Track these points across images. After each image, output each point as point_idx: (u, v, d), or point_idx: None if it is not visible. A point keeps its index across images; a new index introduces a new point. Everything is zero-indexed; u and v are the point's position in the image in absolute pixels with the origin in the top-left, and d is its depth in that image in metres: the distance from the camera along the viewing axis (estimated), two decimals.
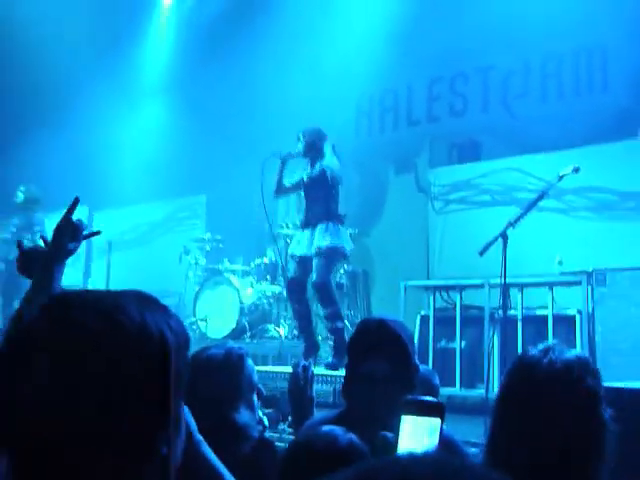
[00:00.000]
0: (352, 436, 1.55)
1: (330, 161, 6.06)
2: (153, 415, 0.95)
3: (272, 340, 7.53)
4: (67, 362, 0.91)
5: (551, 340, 1.78)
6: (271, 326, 7.91)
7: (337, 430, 1.56)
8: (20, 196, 8.72)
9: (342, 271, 7.60)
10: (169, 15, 10.85)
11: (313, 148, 6.06)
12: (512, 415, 1.54)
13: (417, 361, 2.33)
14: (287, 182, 6.22)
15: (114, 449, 0.92)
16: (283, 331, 7.61)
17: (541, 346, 1.60)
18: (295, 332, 7.26)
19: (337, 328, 5.98)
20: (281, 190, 6.22)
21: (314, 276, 5.90)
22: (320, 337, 6.55)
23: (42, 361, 0.92)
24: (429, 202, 8.42)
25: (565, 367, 1.53)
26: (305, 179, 6.12)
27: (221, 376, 2.06)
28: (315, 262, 5.95)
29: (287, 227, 7.81)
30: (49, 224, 11.18)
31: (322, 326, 6.64)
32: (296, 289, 6.11)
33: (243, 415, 2.06)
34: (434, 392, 3.66)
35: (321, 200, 6.05)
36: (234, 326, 7.78)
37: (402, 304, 6.40)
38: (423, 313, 6.52)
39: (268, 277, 8.01)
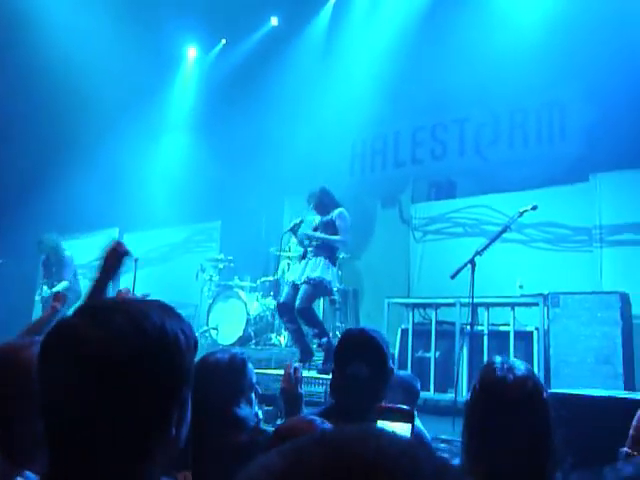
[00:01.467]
0: (327, 424, 1.58)
1: (342, 215, 6.12)
2: (165, 402, 0.97)
3: (274, 347, 7.55)
4: (96, 355, 0.93)
5: (512, 353, 1.81)
6: (273, 335, 7.94)
7: (316, 418, 1.61)
8: (44, 248, 7.92)
9: (336, 289, 7.63)
10: (193, 66, 11.03)
11: (323, 205, 6.17)
12: (481, 419, 1.59)
13: (392, 365, 2.38)
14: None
15: (131, 428, 0.93)
16: (283, 339, 7.63)
17: (499, 361, 1.66)
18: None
19: (323, 343, 6.05)
20: (305, 246, 6.28)
21: (297, 302, 5.95)
22: (314, 345, 6.57)
23: (74, 353, 0.93)
24: (410, 232, 8.49)
25: (522, 380, 1.60)
26: (317, 222, 6.22)
27: (226, 376, 2.08)
28: (302, 289, 6.01)
29: (289, 250, 7.84)
30: (86, 245, 11.24)
31: None
32: (285, 312, 6.17)
33: (243, 409, 2.09)
34: (415, 395, 3.69)
35: (327, 244, 6.14)
36: (241, 334, 7.80)
37: (385, 319, 6.42)
38: (403, 327, 6.51)
39: (272, 293, 8.06)
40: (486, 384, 1.62)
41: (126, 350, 0.94)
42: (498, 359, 1.68)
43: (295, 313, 6.03)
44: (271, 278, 8.23)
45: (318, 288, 6.02)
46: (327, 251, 6.13)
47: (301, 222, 6.31)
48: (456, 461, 1.83)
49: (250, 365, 2.21)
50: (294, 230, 6.33)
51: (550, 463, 1.56)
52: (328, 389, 5.75)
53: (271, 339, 7.86)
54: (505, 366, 1.63)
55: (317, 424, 1.53)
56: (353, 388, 2.21)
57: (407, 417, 1.39)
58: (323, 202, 6.19)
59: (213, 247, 10.27)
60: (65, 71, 9.24)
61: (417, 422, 2.68)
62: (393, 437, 0.52)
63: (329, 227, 6.15)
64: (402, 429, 1.36)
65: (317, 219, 6.26)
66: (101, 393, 0.91)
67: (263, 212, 10.00)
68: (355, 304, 8.30)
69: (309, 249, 6.23)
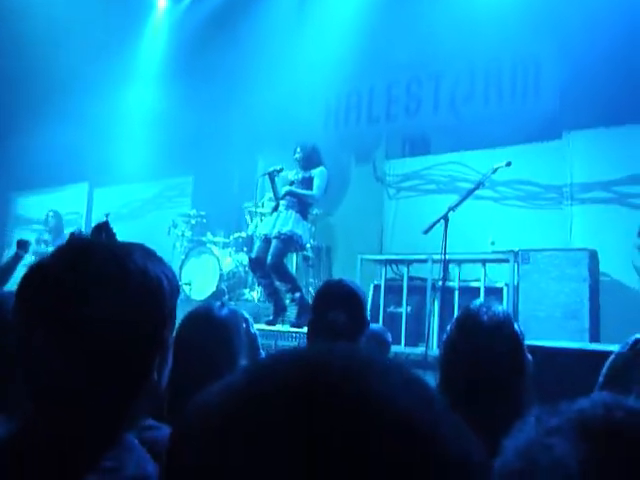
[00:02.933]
0: None
1: (322, 173, 6.15)
2: (147, 345, 0.96)
3: (247, 302, 7.58)
4: (74, 298, 0.90)
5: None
6: (246, 290, 7.97)
7: None
8: (51, 221, 9.19)
9: (309, 245, 7.66)
10: (163, 16, 10.72)
11: (309, 160, 6.24)
12: (458, 350, 1.66)
13: (367, 316, 2.44)
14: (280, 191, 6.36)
15: (112, 372, 0.92)
16: (257, 295, 7.66)
17: (478, 303, 1.75)
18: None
19: (296, 298, 6.13)
20: (278, 198, 6.34)
21: (269, 257, 6.00)
22: (288, 300, 6.61)
23: (54, 298, 0.90)
24: (384, 189, 8.50)
25: (499, 316, 1.68)
26: (295, 180, 6.26)
27: (223, 334, 2.10)
28: (273, 244, 6.05)
29: (262, 206, 7.81)
30: (55, 199, 11.03)
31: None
32: (257, 267, 6.21)
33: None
34: (387, 347, 3.78)
35: (299, 199, 6.17)
36: (214, 290, 7.80)
37: (358, 275, 6.45)
38: (376, 282, 6.59)
39: (245, 249, 8.04)
40: (463, 317, 1.71)
41: (106, 291, 0.91)
42: (477, 302, 1.76)
43: (267, 269, 6.04)
44: (244, 234, 8.21)
45: (289, 243, 6.08)
46: (299, 205, 6.16)
47: (281, 170, 6.31)
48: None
49: (254, 328, 2.34)
50: (272, 176, 6.34)
51: (524, 398, 1.60)
52: (302, 342, 5.83)
53: (244, 294, 7.89)
54: (482, 305, 1.73)
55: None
56: (331, 335, 2.24)
57: None
58: (311, 158, 6.25)
59: (185, 202, 10.20)
60: (29, 21, 8.93)
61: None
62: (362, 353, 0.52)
63: (306, 183, 6.20)
64: None
65: (295, 173, 6.25)
66: (80, 337, 0.89)
67: (236, 168, 9.92)
68: (328, 261, 8.36)
69: (281, 202, 6.22)
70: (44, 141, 9.66)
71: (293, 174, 6.38)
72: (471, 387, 1.60)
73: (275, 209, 6.36)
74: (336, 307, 2.30)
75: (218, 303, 2.25)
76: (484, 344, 1.62)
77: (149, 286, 0.96)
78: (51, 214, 9.27)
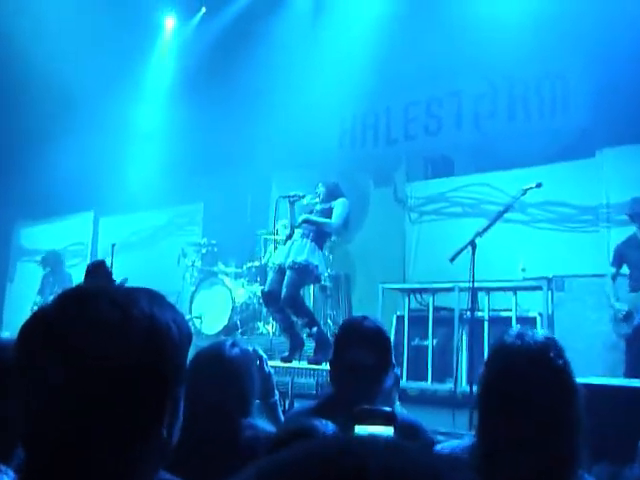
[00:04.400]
0: (330, 426, 1.54)
1: (343, 203, 6.19)
2: (155, 401, 0.94)
3: (261, 337, 7.49)
4: (77, 348, 0.89)
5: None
6: (260, 324, 7.89)
7: (317, 423, 1.55)
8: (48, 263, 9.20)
9: (326, 275, 7.58)
10: (172, 37, 10.82)
11: (331, 195, 6.27)
12: (496, 397, 1.54)
13: (393, 355, 2.35)
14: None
15: (117, 429, 0.90)
16: (272, 328, 7.58)
17: (513, 332, 1.61)
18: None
19: (313, 332, 6.06)
20: (294, 225, 6.37)
21: (283, 290, 5.94)
22: (304, 335, 6.53)
23: (52, 346, 0.89)
24: (406, 213, 8.47)
25: (541, 347, 1.55)
26: (314, 210, 6.28)
27: (236, 376, 2.10)
28: (287, 275, 6.00)
29: (277, 233, 7.76)
30: (59, 230, 11.09)
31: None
32: (271, 301, 6.16)
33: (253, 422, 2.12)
34: (396, 381, 3.68)
35: (316, 227, 6.17)
36: (226, 323, 7.75)
37: (380, 305, 6.39)
38: (399, 313, 6.51)
39: (259, 279, 7.98)
40: (499, 348, 1.59)
41: (111, 342, 0.90)
42: (513, 330, 1.63)
43: (281, 302, 6.02)
44: (257, 263, 8.17)
45: (304, 273, 6.02)
46: (316, 234, 6.15)
47: (303, 197, 6.34)
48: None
49: (268, 367, 2.30)
50: (292, 201, 6.35)
51: (577, 450, 1.49)
52: (320, 380, 5.73)
53: (258, 328, 7.82)
54: (519, 332, 1.60)
55: (319, 429, 1.49)
56: (356, 376, 2.19)
57: (388, 419, 1.34)
58: (333, 193, 6.28)
59: (195, 231, 10.22)
60: (36, 44, 9.07)
61: (402, 410, 2.78)
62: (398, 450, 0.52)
63: (325, 214, 6.21)
64: (384, 432, 1.32)
65: (314, 203, 6.31)
66: (82, 390, 0.88)
67: (249, 192, 9.94)
68: (347, 290, 8.26)
69: (297, 230, 6.22)
70: (47, 169, 9.75)
71: (312, 202, 6.39)
72: (514, 433, 1.48)
73: (289, 237, 6.33)
74: (360, 346, 2.25)
75: (229, 341, 2.21)
76: (524, 375, 1.52)
77: (156, 334, 0.94)
78: (45, 259, 9.27)
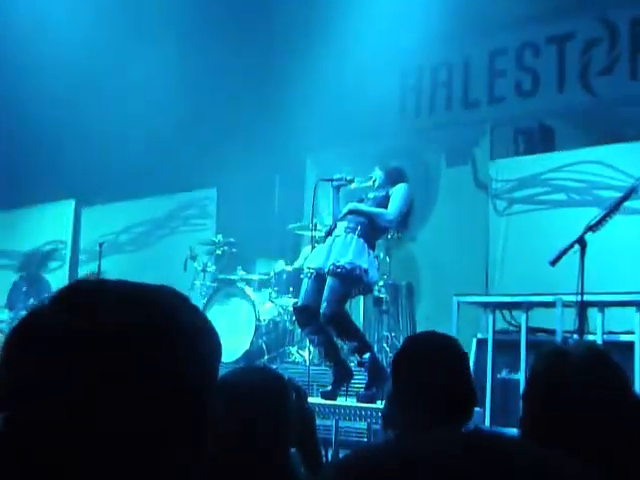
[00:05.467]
0: None
1: (402, 190, 6.28)
2: (179, 436, 0.97)
3: (295, 366, 7.52)
4: (80, 355, 0.92)
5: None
6: (294, 349, 7.93)
7: None
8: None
9: (381, 283, 7.59)
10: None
11: (390, 181, 6.37)
12: (544, 401, 1.79)
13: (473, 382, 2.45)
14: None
15: (131, 455, 0.93)
16: (308, 355, 7.60)
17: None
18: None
19: (365, 360, 6.12)
20: (337, 218, 6.47)
21: (323, 304, 6.02)
22: (352, 363, 6.55)
23: (48, 352, 0.93)
24: (489, 201, 8.41)
25: (594, 353, 1.85)
26: (366, 198, 6.39)
27: (262, 407, 2.14)
28: (327, 284, 6.09)
29: (315, 228, 7.78)
30: (34, 222, 11.30)
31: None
32: (307, 318, 6.25)
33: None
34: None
35: (366, 219, 6.24)
36: (248, 347, 7.82)
37: (454, 325, 6.34)
38: (480, 336, 6.48)
39: (291, 289, 7.99)
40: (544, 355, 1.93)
41: (126, 350, 0.93)
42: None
43: (321, 321, 6.08)
44: (289, 268, 8.20)
45: (349, 280, 6.10)
46: (365, 229, 6.23)
47: (351, 181, 6.44)
48: None
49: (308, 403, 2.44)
50: (336, 185, 6.47)
51: None
52: (374, 424, 5.76)
53: (291, 354, 7.87)
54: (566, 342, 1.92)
55: None
56: (425, 415, 2.27)
57: None
58: (392, 179, 6.39)
59: (207, 225, 10.33)
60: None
61: None
62: None
63: (379, 203, 6.32)
64: None
65: (367, 190, 6.42)
66: (86, 408, 0.91)
67: (276, 175, 9.97)
68: (409, 304, 8.28)
69: (340, 224, 6.32)
70: (13, 146, 9.93)
71: (363, 186, 6.43)
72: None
73: (330, 233, 6.41)
74: (429, 373, 2.31)
75: (259, 366, 2.27)
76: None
77: (183, 344, 0.98)
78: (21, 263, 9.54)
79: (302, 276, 6.65)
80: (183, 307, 1.03)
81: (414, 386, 2.36)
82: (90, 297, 0.98)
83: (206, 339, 1.03)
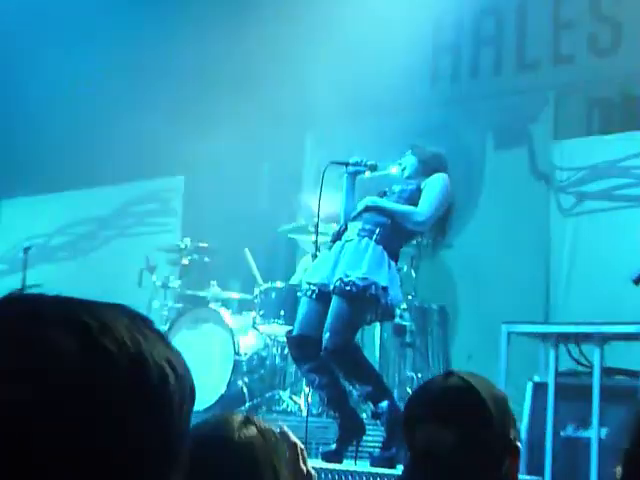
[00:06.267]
0: None
1: (438, 182, 6.33)
2: None
3: (287, 417, 7.48)
4: (12, 393, 0.93)
5: None
6: (285, 393, 7.92)
7: None
8: None
9: (405, 306, 7.58)
10: None
11: (425, 168, 6.46)
12: None
13: (516, 439, 2.42)
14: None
15: None
16: (304, 402, 7.58)
17: None
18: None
19: (381, 409, 6.10)
20: (347, 217, 6.53)
21: (326, 334, 6.02)
22: (366, 414, 6.55)
23: None
24: (552, 195, 8.46)
25: None
26: (389, 192, 6.45)
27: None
28: (333, 306, 6.10)
29: (317, 232, 7.78)
30: None
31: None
32: (306, 353, 6.28)
33: None
34: None
35: (388, 219, 6.26)
36: (224, 391, 7.82)
37: (503, 363, 6.35)
38: (537, 379, 6.49)
39: (283, 312, 8.00)
40: None
41: (63, 391, 0.94)
42: None
43: (324, 356, 6.09)
44: (281, 284, 8.21)
45: (362, 302, 6.09)
46: (386, 231, 6.24)
47: (373, 167, 6.50)
48: None
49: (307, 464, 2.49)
50: (352, 171, 6.53)
51: None
52: None
53: (282, 401, 7.86)
54: None
55: None
56: (433, 466, 2.31)
57: None
58: (428, 167, 6.46)
59: (170, 226, 10.44)
60: None
61: None
62: None
63: (407, 198, 6.35)
64: None
65: (392, 180, 6.48)
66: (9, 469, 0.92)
67: (265, 159, 9.97)
68: (443, 335, 8.27)
69: (353, 224, 6.34)
70: None
71: (384, 174, 6.46)
72: None
73: (338, 237, 6.40)
74: (436, 421, 2.34)
75: (239, 416, 2.28)
76: None
77: (142, 381, 0.99)
78: None
79: (299, 294, 6.64)
80: (142, 334, 1.02)
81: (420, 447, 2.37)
82: (20, 320, 0.98)
83: (175, 380, 1.03)
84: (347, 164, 6.53)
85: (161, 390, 1.00)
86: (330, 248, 6.48)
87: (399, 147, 6.75)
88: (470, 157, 8.99)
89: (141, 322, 1.05)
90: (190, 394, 1.06)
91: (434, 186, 6.30)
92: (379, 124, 9.04)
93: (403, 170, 6.48)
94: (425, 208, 6.23)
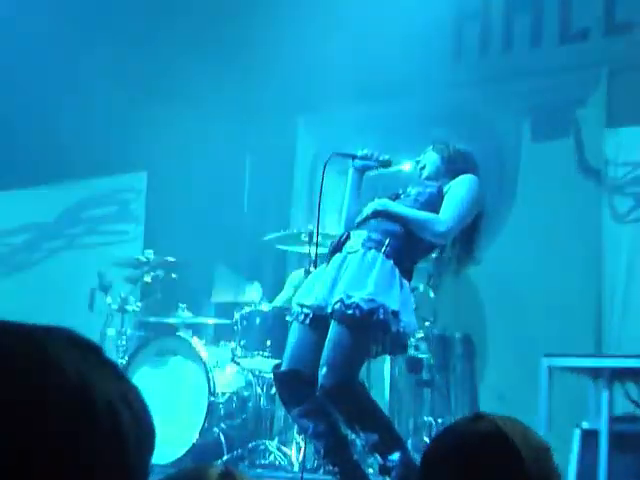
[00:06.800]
0: None
1: (465, 184, 6.38)
2: None
3: (275, 472, 7.53)
4: None
5: None
6: (273, 444, 7.92)
7: None
8: None
9: (421, 335, 7.57)
10: None
11: (450, 169, 6.48)
12: None
13: None
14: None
15: None
16: (298, 454, 7.58)
17: None
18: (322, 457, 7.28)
19: (392, 462, 6.07)
20: (349, 224, 6.55)
21: (323, 369, 5.98)
22: (372, 469, 6.56)
23: None
24: (604, 197, 8.46)
25: None
26: (404, 195, 6.47)
27: None
28: (331, 335, 6.06)
29: (313, 241, 7.81)
30: None
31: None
32: (295, 393, 6.28)
33: None
34: None
35: (401, 228, 6.26)
36: (195, 440, 7.84)
37: (544, 405, 6.35)
38: (587, 426, 6.47)
39: (269, 343, 7.99)
40: None
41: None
42: None
43: (320, 396, 6.07)
44: (266, 307, 8.19)
45: (367, 329, 6.05)
46: (398, 243, 6.21)
47: (386, 163, 6.51)
48: None
49: None
50: (359, 166, 6.53)
51: None
52: None
53: (269, 453, 7.85)
54: None
55: None
56: None
57: None
58: (454, 165, 6.49)
59: (129, 234, 10.46)
60: None
61: None
62: None
63: (425, 202, 6.35)
64: None
65: (408, 185, 6.48)
66: None
67: (247, 150, 9.98)
68: (469, 371, 8.32)
69: (356, 233, 6.30)
70: None
71: (398, 170, 6.44)
72: None
73: (338, 248, 6.36)
74: (458, 471, 2.34)
75: (217, 469, 2.16)
76: None
77: (91, 423, 1.04)
78: None
79: (289, 319, 6.60)
80: (91, 365, 1.07)
81: None
82: None
83: (131, 419, 1.07)
84: (354, 157, 6.53)
85: (112, 431, 1.04)
86: (328, 262, 6.41)
87: (412, 138, 6.77)
88: (502, 150, 9.03)
89: (90, 350, 1.10)
90: (149, 436, 1.11)
91: (460, 189, 6.31)
92: (388, 109, 9.05)
93: (422, 169, 6.50)
94: (448, 216, 6.22)
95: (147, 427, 1.11)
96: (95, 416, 1.04)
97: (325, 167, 6.53)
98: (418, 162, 6.50)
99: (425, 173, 6.45)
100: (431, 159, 6.45)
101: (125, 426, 1.06)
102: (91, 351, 1.11)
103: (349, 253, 6.22)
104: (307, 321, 6.22)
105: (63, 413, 1.02)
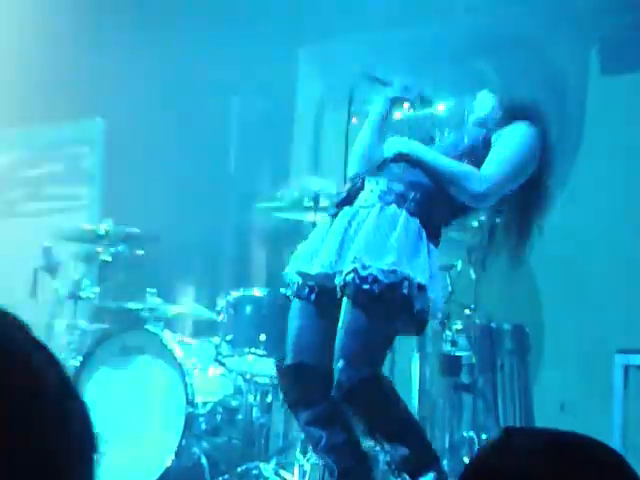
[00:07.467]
0: None
1: (516, 133, 6.40)
2: None
3: None
4: None
5: None
6: (268, 467, 7.90)
7: None
8: None
9: (459, 325, 7.61)
10: None
11: (505, 116, 6.54)
12: None
13: None
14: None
15: None
16: (301, 477, 7.63)
17: None
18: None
19: None
20: (359, 172, 6.49)
21: (340, 362, 5.97)
22: None
23: None
24: None
25: None
26: (441, 140, 6.56)
27: None
28: (345, 315, 6.05)
29: (315, 207, 7.86)
30: None
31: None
32: (303, 393, 6.31)
33: None
34: None
35: (431, 181, 6.27)
36: (170, 463, 7.84)
37: (618, 411, 6.41)
38: None
39: (262, 337, 8.02)
40: None
41: None
42: None
43: (338, 397, 6.07)
44: (259, 292, 8.23)
45: (389, 308, 6.04)
46: (426, 199, 6.24)
47: (428, 101, 6.62)
48: None
49: None
50: (394, 99, 6.55)
51: None
52: None
53: (262, 478, 7.86)
54: None
55: None
56: None
57: None
58: (509, 114, 6.52)
59: (81, 199, 10.57)
60: None
61: None
62: None
63: (465, 154, 6.39)
64: None
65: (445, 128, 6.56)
66: None
67: (234, 90, 10.02)
68: (522, 371, 8.29)
69: (370, 181, 6.32)
70: None
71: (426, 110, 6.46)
72: None
73: (348, 200, 6.36)
74: None
75: None
76: None
77: (38, 396, 1.18)
78: None
79: (288, 293, 6.53)
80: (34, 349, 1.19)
81: None
82: None
83: (68, 427, 1.20)
84: (385, 82, 6.55)
85: (60, 416, 1.18)
86: (334, 216, 6.41)
87: (443, 72, 6.78)
88: (563, 88, 9.01)
89: (27, 329, 1.26)
90: (88, 448, 1.23)
91: (511, 140, 6.34)
92: (410, 37, 9.07)
93: (471, 112, 6.55)
94: (489, 171, 6.23)
95: (87, 437, 1.22)
96: (44, 401, 1.15)
97: (351, 99, 6.53)
98: (459, 104, 6.52)
99: (473, 117, 6.49)
100: (485, 102, 6.50)
101: (72, 412, 1.19)
102: (23, 325, 1.25)
103: (362, 207, 6.20)
104: (312, 297, 6.24)
105: (16, 397, 1.14)
